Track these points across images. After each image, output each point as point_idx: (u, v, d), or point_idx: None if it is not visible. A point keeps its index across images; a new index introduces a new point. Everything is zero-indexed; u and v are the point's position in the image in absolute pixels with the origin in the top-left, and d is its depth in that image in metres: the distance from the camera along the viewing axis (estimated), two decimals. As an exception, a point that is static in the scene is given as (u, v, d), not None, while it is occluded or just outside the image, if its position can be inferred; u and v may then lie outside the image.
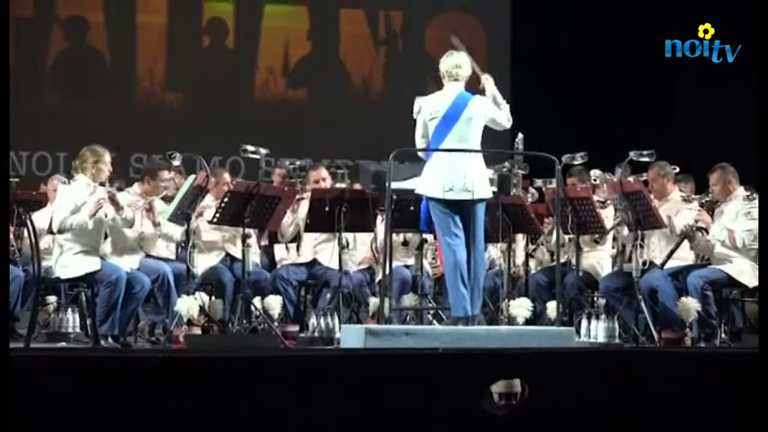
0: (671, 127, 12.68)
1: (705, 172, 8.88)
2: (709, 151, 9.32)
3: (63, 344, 8.32)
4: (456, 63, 7.71)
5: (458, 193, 7.53)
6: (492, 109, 7.71)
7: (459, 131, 7.59)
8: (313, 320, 8.41)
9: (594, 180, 9.27)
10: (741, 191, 8.57)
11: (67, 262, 8.02)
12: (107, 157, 8.24)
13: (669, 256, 8.58)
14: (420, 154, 7.81)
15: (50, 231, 8.38)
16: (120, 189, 8.75)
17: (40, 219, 8.40)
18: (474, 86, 7.80)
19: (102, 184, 8.22)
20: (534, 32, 14.18)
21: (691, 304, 8.28)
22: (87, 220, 7.98)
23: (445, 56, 7.79)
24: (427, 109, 7.66)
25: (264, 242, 9.82)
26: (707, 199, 8.83)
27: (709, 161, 8.85)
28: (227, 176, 9.43)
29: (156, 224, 8.59)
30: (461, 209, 7.58)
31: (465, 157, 7.58)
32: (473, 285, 7.57)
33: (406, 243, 9.26)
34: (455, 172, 7.53)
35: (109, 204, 8.11)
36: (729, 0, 11.70)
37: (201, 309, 8.34)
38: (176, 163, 8.73)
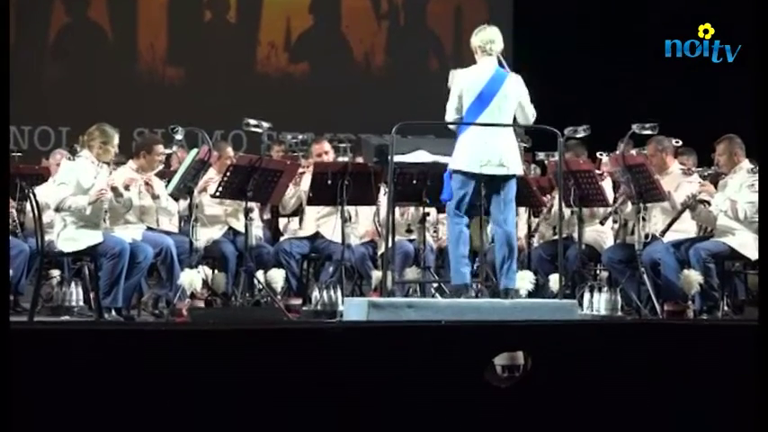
0: (671, 98, 12.70)
1: (707, 144, 8.89)
2: (712, 125, 9.30)
3: (66, 317, 8.32)
4: (490, 38, 7.75)
5: (493, 168, 7.62)
6: (524, 90, 7.80)
7: (493, 109, 7.65)
8: (316, 294, 8.42)
9: (600, 155, 9.29)
10: (746, 163, 8.57)
11: (70, 235, 8.02)
12: (115, 140, 8.24)
13: (669, 226, 8.59)
14: (452, 128, 7.83)
15: (54, 206, 8.38)
16: (120, 163, 8.72)
17: (42, 193, 8.39)
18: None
19: (107, 163, 8.22)
20: (536, 8, 14.16)
21: (693, 277, 8.29)
22: (86, 206, 7.98)
23: (477, 30, 7.84)
24: (463, 82, 7.69)
25: (267, 216, 9.83)
26: (709, 172, 8.83)
27: (711, 135, 8.84)
28: (229, 150, 9.43)
29: (155, 197, 8.58)
30: (492, 184, 7.66)
31: (499, 134, 7.65)
32: (511, 259, 7.64)
33: (410, 231, 9.26)
34: (490, 149, 7.59)
35: (110, 193, 8.10)
36: (729, 0, 11.68)
37: (204, 282, 8.36)
38: (178, 137, 8.73)
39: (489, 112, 7.63)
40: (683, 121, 9.64)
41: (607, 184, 9.09)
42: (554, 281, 8.53)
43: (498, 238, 7.75)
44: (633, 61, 13.29)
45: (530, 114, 7.82)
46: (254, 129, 8.98)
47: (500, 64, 7.80)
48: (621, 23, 13.74)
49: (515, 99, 7.73)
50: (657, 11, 13.18)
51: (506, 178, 7.68)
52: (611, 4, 13.82)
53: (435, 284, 8.90)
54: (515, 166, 7.72)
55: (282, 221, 9.77)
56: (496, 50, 7.74)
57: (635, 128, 8.66)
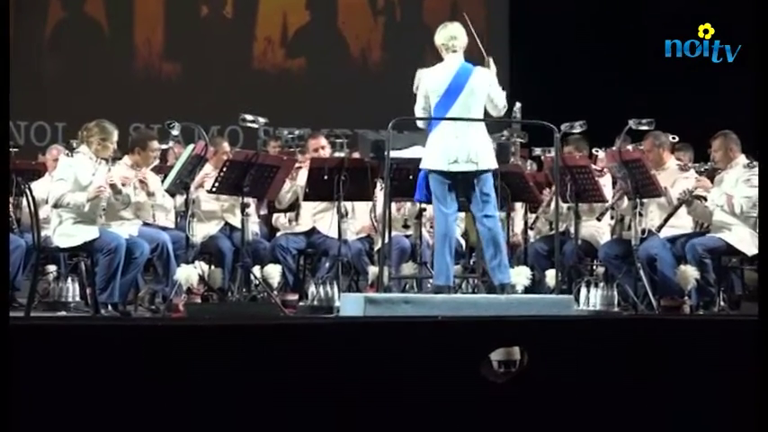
0: (670, 97, 12.69)
1: (705, 141, 8.89)
2: (711, 123, 9.30)
3: (63, 313, 8.31)
4: (451, 34, 7.68)
5: (462, 164, 7.54)
6: (493, 82, 7.71)
7: (461, 104, 7.58)
8: (312, 289, 8.40)
9: (596, 151, 9.28)
10: (742, 158, 8.57)
11: (66, 231, 8.01)
12: (114, 137, 8.23)
13: (666, 221, 8.59)
14: (421, 125, 7.80)
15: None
16: (116, 159, 8.71)
17: (38, 188, 8.38)
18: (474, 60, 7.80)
19: (105, 160, 8.21)
20: (533, 4, 14.15)
21: (689, 272, 8.29)
22: (84, 202, 7.98)
23: (440, 28, 7.78)
24: (428, 82, 7.64)
25: (263, 211, 9.82)
26: (705, 167, 8.83)
27: (710, 132, 8.84)
28: (226, 146, 9.43)
29: (149, 194, 8.56)
30: (466, 181, 7.59)
31: (468, 129, 7.58)
32: (500, 254, 7.58)
33: (406, 226, 9.26)
34: (459, 144, 7.53)
35: (108, 190, 8.09)
36: (729, 0, 11.68)
37: (201, 278, 8.35)
38: (175, 132, 8.72)
39: (457, 108, 7.57)
40: (682, 121, 9.65)
41: (607, 181, 9.08)
42: (550, 276, 8.52)
43: (483, 236, 7.69)
44: (633, 61, 13.27)
45: (500, 105, 7.73)
46: (250, 124, 8.96)
47: (467, 59, 7.75)
48: (621, 23, 13.72)
49: (483, 93, 7.64)
50: (657, 11, 13.16)
51: (478, 174, 7.60)
52: (610, 4, 13.80)
53: (432, 280, 8.90)
54: (486, 161, 7.60)
55: (274, 216, 9.75)
56: (460, 46, 7.67)
57: (631, 123, 8.66)
